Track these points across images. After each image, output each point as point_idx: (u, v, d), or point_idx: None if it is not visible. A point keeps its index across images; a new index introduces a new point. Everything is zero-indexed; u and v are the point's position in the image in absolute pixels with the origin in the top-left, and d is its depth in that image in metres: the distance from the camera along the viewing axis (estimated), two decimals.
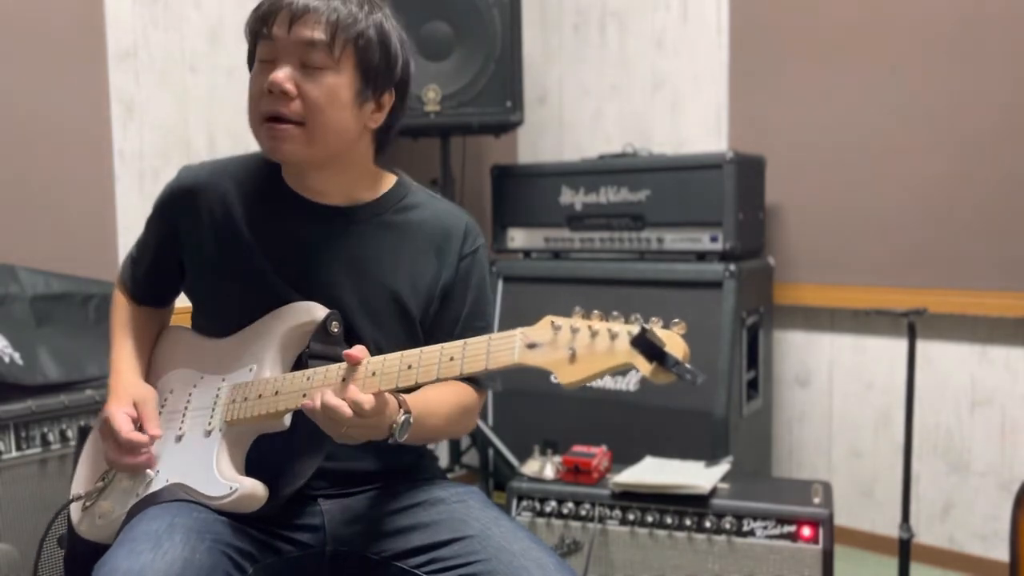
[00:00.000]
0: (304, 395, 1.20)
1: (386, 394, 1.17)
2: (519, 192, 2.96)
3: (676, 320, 1.06)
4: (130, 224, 2.45)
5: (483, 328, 1.40)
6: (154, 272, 1.44)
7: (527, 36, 3.07)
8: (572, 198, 2.83)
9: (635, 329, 1.03)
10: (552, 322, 1.08)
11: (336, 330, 1.27)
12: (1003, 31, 2.52)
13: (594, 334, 1.05)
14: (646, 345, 1.01)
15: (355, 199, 1.35)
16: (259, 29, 1.26)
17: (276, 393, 1.24)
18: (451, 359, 1.14)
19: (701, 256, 2.61)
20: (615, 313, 1.08)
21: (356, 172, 1.35)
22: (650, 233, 2.69)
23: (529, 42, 3.25)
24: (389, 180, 1.40)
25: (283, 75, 1.22)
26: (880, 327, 2.79)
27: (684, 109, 3.14)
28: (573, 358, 1.06)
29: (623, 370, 1.05)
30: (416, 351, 1.18)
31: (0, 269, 2.07)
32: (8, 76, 2.22)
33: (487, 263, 1.44)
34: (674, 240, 2.66)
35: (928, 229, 2.68)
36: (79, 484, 1.37)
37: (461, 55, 2.77)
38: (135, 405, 1.32)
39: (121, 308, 1.46)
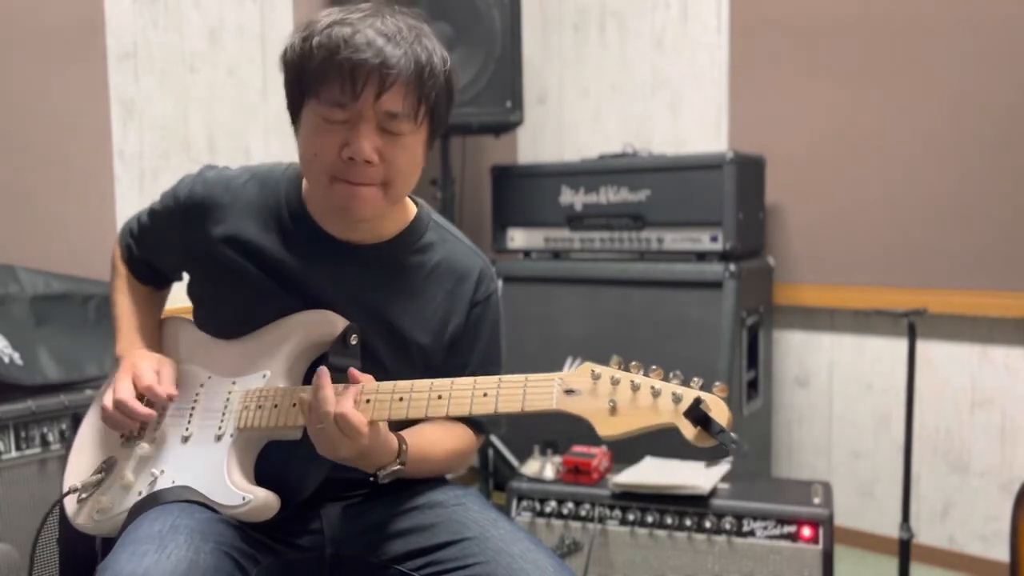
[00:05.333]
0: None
1: (389, 434, 1.17)
2: (519, 192, 2.95)
3: (718, 383, 1.04)
4: None
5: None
6: (152, 263, 1.45)
7: (527, 36, 3.06)
8: (572, 198, 2.82)
9: (680, 390, 1.02)
10: (592, 370, 1.06)
11: (354, 342, 1.24)
12: (1004, 31, 2.52)
13: (635, 388, 1.03)
14: (696, 414, 1.00)
15: (376, 231, 1.31)
16: (337, 95, 1.15)
17: (294, 405, 1.22)
18: (484, 395, 1.11)
19: (701, 256, 2.61)
20: (654, 367, 1.05)
21: None
22: (650, 233, 2.69)
23: (529, 42, 3.25)
24: (410, 212, 1.36)
25: (369, 147, 1.16)
26: (880, 327, 2.79)
27: (684, 109, 3.14)
28: (614, 410, 1.04)
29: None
30: (448, 381, 1.15)
31: (0, 269, 2.07)
32: (8, 76, 2.22)
33: (500, 309, 1.41)
34: (674, 240, 2.65)
35: (928, 229, 2.68)
36: (73, 475, 1.34)
37: (461, 55, 2.76)
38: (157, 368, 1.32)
39: (124, 280, 1.45)
